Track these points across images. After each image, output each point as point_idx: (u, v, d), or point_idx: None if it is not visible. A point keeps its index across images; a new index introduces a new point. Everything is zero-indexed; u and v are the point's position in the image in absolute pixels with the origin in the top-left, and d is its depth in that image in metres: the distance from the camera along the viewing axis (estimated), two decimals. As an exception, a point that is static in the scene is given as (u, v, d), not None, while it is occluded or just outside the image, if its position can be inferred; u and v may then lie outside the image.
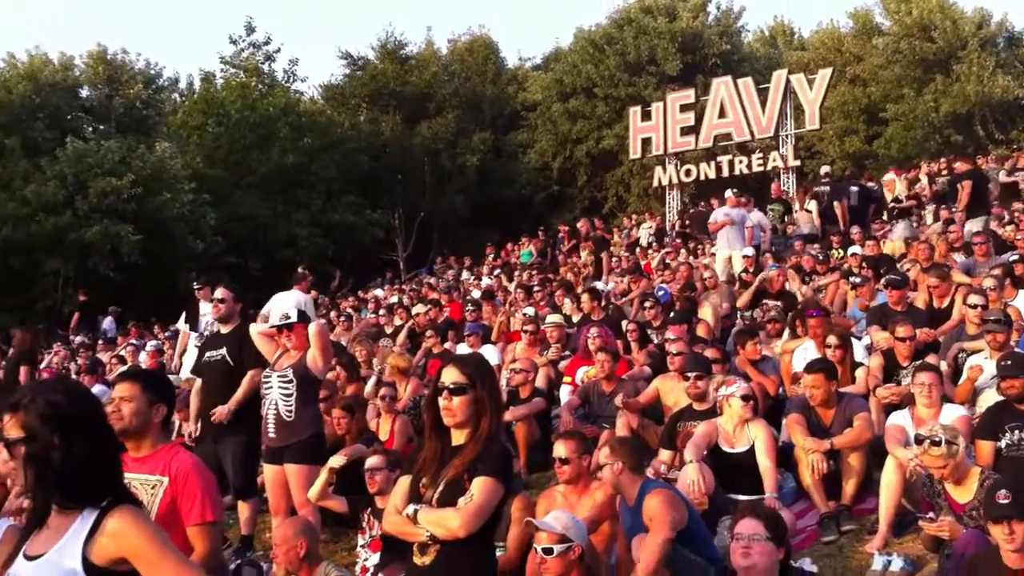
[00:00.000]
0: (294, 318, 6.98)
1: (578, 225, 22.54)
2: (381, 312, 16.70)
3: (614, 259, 19.63)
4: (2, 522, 3.30)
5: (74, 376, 13.30)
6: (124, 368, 11.83)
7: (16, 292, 25.55)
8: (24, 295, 25.60)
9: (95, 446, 2.72)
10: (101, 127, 30.08)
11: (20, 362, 13.11)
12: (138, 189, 25.74)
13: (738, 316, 12.27)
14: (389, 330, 14.74)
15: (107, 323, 19.68)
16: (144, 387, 4.15)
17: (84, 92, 31.64)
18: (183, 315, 12.02)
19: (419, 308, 15.84)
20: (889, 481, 5.94)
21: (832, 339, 7.97)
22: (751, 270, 14.40)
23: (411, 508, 3.66)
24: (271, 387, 6.85)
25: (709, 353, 8.31)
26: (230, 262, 28.49)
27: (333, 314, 18.30)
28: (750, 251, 15.15)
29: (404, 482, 3.84)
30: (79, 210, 25.37)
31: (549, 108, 35.89)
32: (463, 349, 11.38)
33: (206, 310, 11.32)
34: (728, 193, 15.59)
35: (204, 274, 24.36)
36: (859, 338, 9.28)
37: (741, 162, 26.12)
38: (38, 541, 2.71)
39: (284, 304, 12.31)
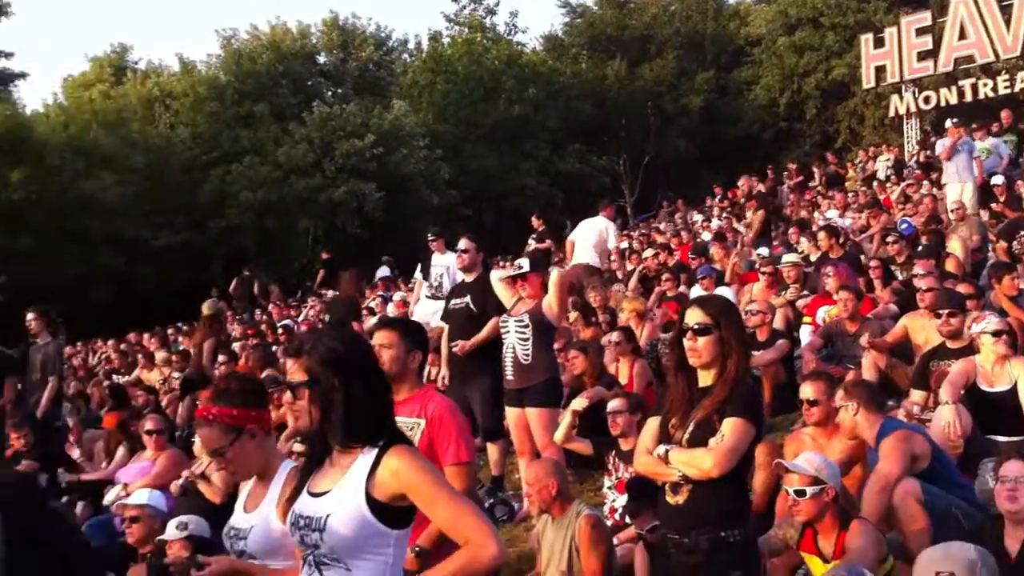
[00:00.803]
0: (526, 268, 7.13)
1: (739, 183, 21.65)
2: (612, 257, 16.75)
3: (850, 195, 18.84)
4: (286, 463, 3.58)
5: (327, 327, 14.08)
6: (380, 317, 12.41)
7: (273, 251, 27.57)
8: (280, 253, 27.54)
9: (371, 389, 2.87)
10: (339, 90, 31.61)
11: (345, 308, 12.90)
12: (378, 149, 27.09)
13: (989, 249, 11.55)
14: (621, 275, 14.78)
15: (383, 271, 20.43)
16: (402, 334, 4.36)
17: (321, 58, 33.22)
18: (418, 266, 12.42)
19: (648, 252, 15.80)
20: None
21: (1101, 271, 7.39)
22: (1003, 199, 13.53)
23: (662, 448, 3.71)
24: (508, 331, 7.03)
25: (961, 288, 7.88)
26: (464, 214, 29.48)
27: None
28: (1000, 179, 14.23)
29: (653, 423, 3.89)
30: (327, 171, 26.99)
31: (774, 42, 34.72)
32: (696, 292, 11.29)
33: (437, 261, 11.70)
34: (948, 124, 14.54)
35: (441, 227, 25.32)
36: None
37: (986, 85, 24.41)
38: (322, 479, 2.89)
39: (589, 230, 12.62)
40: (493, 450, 7.81)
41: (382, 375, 3.04)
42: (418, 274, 12.15)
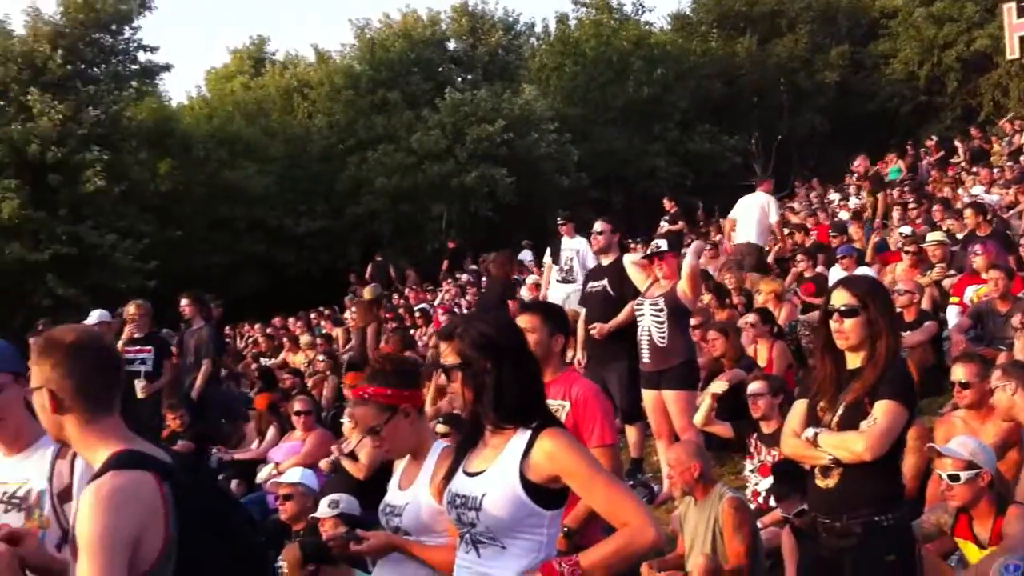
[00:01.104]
0: (664, 247, 7.11)
1: (854, 165, 20.80)
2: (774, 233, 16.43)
3: (995, 170, 18.10)
4: (438, 442, 3.69)
5: (467, 311, 14.27)
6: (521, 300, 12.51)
7: (408, 236, 28.26)
8: (415, 238, 28.17)
9: (522, 372, 2.92)
10: (468, 76, 31.94)
11: (498, 289, 12.84)
12: (508, 134, 27.43)
13: None
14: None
15: (525, 255, 20.53)
16: (544, 318, 4.40)
17: (451, 44, 33.60)
18: (548, 250, 12.45)
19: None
20: None
21: None
22: None
23: (810, 431, 3.66)
24: (643, 314, 7.04)
25: (1123, 266, 7.53)
26: (594, 197, 29.54)
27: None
28: None
29: (800, 406, 3.84)
30: (459, 157, 27.47)
31: (911, 13, 33.48)
32: (835, 272, 11.05)
33: (567, 245, 11.73)
34: None
35: (571, 210, 25.40)
36: None
37: None
38: (476, 459, 2.96)
39: (749, 207, 12.52)
40: (632, 432, 7.83)
41: (533, 358, 3.08)
42: (547, 258, 12.15)
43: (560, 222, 11.94)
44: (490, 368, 2.87)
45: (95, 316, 10.58)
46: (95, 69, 27.25)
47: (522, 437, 2.84)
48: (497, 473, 2.84)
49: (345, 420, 8.28)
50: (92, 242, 24.16)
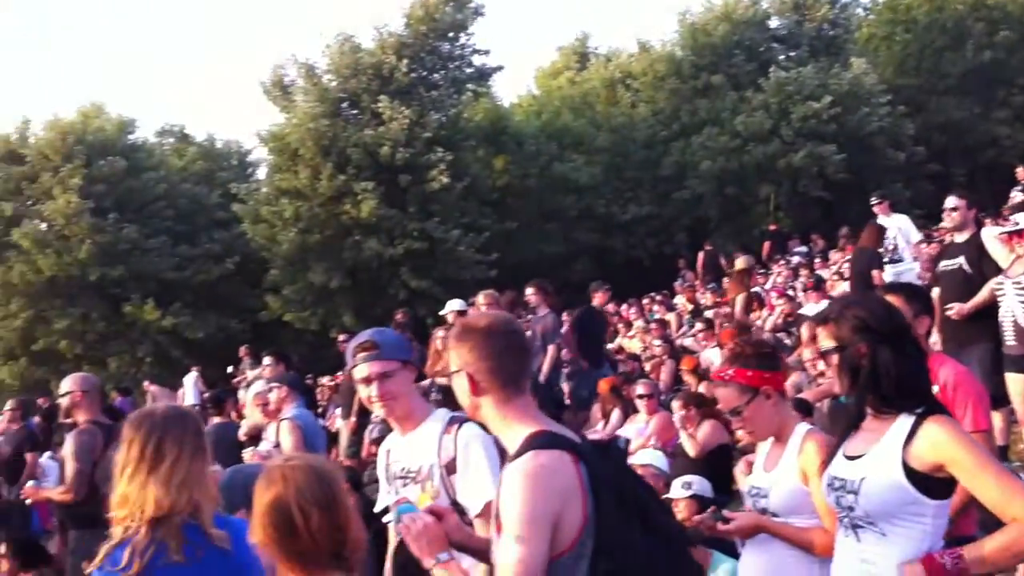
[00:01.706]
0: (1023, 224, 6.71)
1: None
2: None
3: None
4: (801, 424, 3.69)
5: (801, 293, 13.95)
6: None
7: (734, 218, 28.07)
8: (741, 221, 27.92)
9: (901, 355, 2.88)
10: (792, 54, 31.12)
11: (867, 259, 12.76)
12: (836, 109, 26.67)
13: None
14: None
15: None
16: (907, 299, 4.30)
17: (773, 23, 32.82)
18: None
19: None
20: None
21: None
22: None
23: None
24: (1005, 294, 6.69)
25: None
26: (932, 170, 28.04)
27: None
28: None
29: None
30: (784, 136, 26.94)
31: None
32: None
33: (886, 224, 11.32)
34: None
35: (906, 185, 24.24)
36: None
37: None
38: (856, 442, 2.94)
39: None
40: (997, 418, 7.41)
41: (914, 342, 3.03)
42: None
43: (874, 202, 11.62)
44: (866, 352, 2.88)
45: (453, 305, 11.36)
46: (435, 75, 29.00)
47: (905, 423, 2.81)
48: (877, 458, 2.82)
49: (674, 403, 8.41)
50: (439, 237, 25.97)
